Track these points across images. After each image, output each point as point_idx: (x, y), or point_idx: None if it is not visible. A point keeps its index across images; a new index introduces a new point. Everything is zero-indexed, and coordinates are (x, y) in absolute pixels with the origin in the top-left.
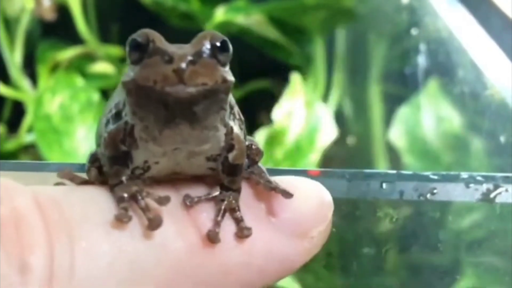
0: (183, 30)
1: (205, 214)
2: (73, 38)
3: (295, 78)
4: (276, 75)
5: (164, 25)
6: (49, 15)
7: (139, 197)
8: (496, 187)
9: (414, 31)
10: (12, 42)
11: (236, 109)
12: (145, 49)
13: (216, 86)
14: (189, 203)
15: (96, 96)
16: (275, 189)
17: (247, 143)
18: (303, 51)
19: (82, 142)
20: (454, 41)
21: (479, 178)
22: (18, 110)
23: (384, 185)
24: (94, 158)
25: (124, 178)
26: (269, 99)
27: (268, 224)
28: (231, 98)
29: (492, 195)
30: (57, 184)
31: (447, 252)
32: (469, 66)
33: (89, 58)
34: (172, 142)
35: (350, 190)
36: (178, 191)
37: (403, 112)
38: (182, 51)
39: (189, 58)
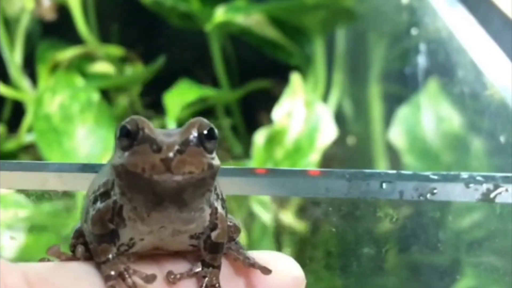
0: (183, 30)
1: None
2: (73, 38)
3: (295, 78)
4: (276, 75)
5: (164, 25)
6: (49, 15)
7: (126, 275)
8: (496, 187)
9: (414, 31)
10: (12, 42)
11: (219, 189)
12: (135, 136)
13: (202, 174)
14: (172, 280)
15: (96, 96)
16: (253, 265)
17: (228, 222)
18: (303, 51)
19: (82, 142)
20: (454, 41)
21: (479, 178)
22: (18, 110)
23: (384, 185)
24: (78, 234)
25: (110, 256)
26: (269, 99)
27: None
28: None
29: (492, 195)
30: (42, 259)
31: (447, 252)
32: (469, 66)
33: (89, 58)
34: (159, 222)
35: (350, 190)
36: (161, 267)
37: (403, 112)
38: (170, 140)
39: (177, 147)
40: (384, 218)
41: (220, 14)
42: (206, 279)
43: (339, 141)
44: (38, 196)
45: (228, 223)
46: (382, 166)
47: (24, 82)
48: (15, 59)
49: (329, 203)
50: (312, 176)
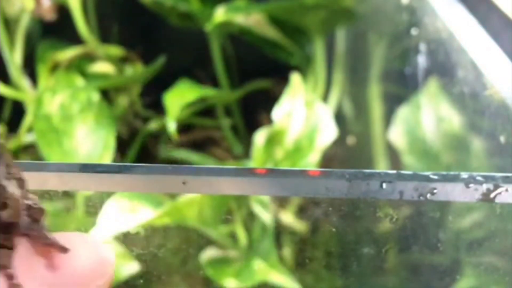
0: (183, 30)
1: None
2: (73, 38)
3: (295, 78)
4: (276, 75)
5: (164, 25)
6: (49, 15)
7: None
8: (496, 187)
9: (414, 31)
10: (12, 42)
11: (15, 169)
12: None
13: None
14: None
15: (96, 96)
16: (52, 244)
17: (28, 202)
18: (303, 51)
19: (82, 142)
20: (454, 41)
21: (479, 178)
22: (18, 110)
23: (384, 185)
24: None
25: None
26: (269, 99)
27: (45, 279)
28: (8, 159)
29: (492, 195)
30: None
31: (447, 252)
32: (469, 66)
33: (89, 58)
34: None
35: (350, 190)
36: None
37: (403, 112)
38: None
39: None
40: (384, 218)
41: (220, 14)
42: None
43: (339, 141)
44: (38, 196)
45: (29, 203)
46: (382, 166)
47: (24, 82)
48: (15, 59)
49: (329, 203)
50: (312, 176)
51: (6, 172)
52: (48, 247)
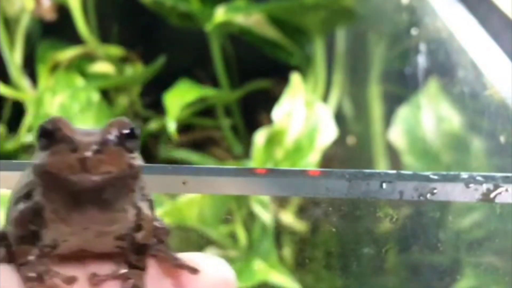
0: (183, 30)
1: None
2: (73, 38)
3: (295, 78)
4: (276, 75)
5: (164, 25)
6: (49, 15)
7: (46, 277)
8: (496, 187)
9: (414, 31)
10: (12, 42)
11: (146, 190)
12: (53, 136)
13: (122, 174)
14: (95, 282)
15: (96, 96)
16: (181, 265)
17: (155, 223)
18: (303, 51)
19: None
20: (454, 41)
21: (479, 178)
22: (18, 110)
23: (384, 185)
24: (2, 236)
25: (31, 257)
26: (269, 99)
27: None
28: (142, 179)
29: (492, 195)
30: None
31: (447, 252)
32: (469, 66)
33: (89, 58)
34: (81, 224)
35: (350, 190)
36: (86, 268)
37: (403, 112)
38: (87, 139)
39: (94, 147)
40: (384, 218)
41: (220, 14)
42: (131, 280)
43: (339, 141)
44: None
45: (157, 224)
46: (382, 166)
47: (24, 82)
48: (15, 59)
49: (329, 203)
50: (312, 176)
51: (141, 194)
52: (178, 268)
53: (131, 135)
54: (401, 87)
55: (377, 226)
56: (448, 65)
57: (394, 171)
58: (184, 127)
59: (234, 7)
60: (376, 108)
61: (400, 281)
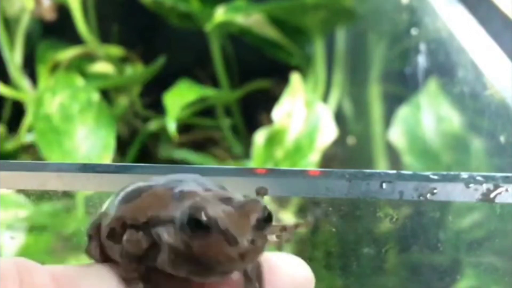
0: (183, 30)
1: None
2: (73, 38)
3: (295, 78)
4: (276, 75)
5: (164, 25)
6: (49, 15)
7: None
8: (496, 187)
9: (414, 31)
10: (12, 42)
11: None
12: (205, 224)
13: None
14: None
15: (96, 96)
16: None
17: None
18: (303, 51)
19: (82, 142)
20: (454, 41)
21: (479, 178)
22: (18, 110)
23: (384, 185)
24: (96, 229)
25: (138, 275)
26: (269, 99)
27: None
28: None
29: (492, 195)
30: None
31: (447, 252)
32: (469, 66)
33: (89, 58)
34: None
35: (350, 190)
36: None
37: (403, 112)
38: (242, 230)
39: (249, 237)
40: (384, 218)
41: (220, 14)
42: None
43: (339, 141)
44: (38, 196)
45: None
46: (382, 166)
47: (24, 82)
48: (15, 59)
49: (329, 203)
50: (312, 176)
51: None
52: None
53: (269, 219)
54: (401, 87)
55: (377, 226)
56: (448, 65)
57: (394, 171)
58: (184, 127)
59: (234, 7)
60: (376, 108)
61: (400, 281)
